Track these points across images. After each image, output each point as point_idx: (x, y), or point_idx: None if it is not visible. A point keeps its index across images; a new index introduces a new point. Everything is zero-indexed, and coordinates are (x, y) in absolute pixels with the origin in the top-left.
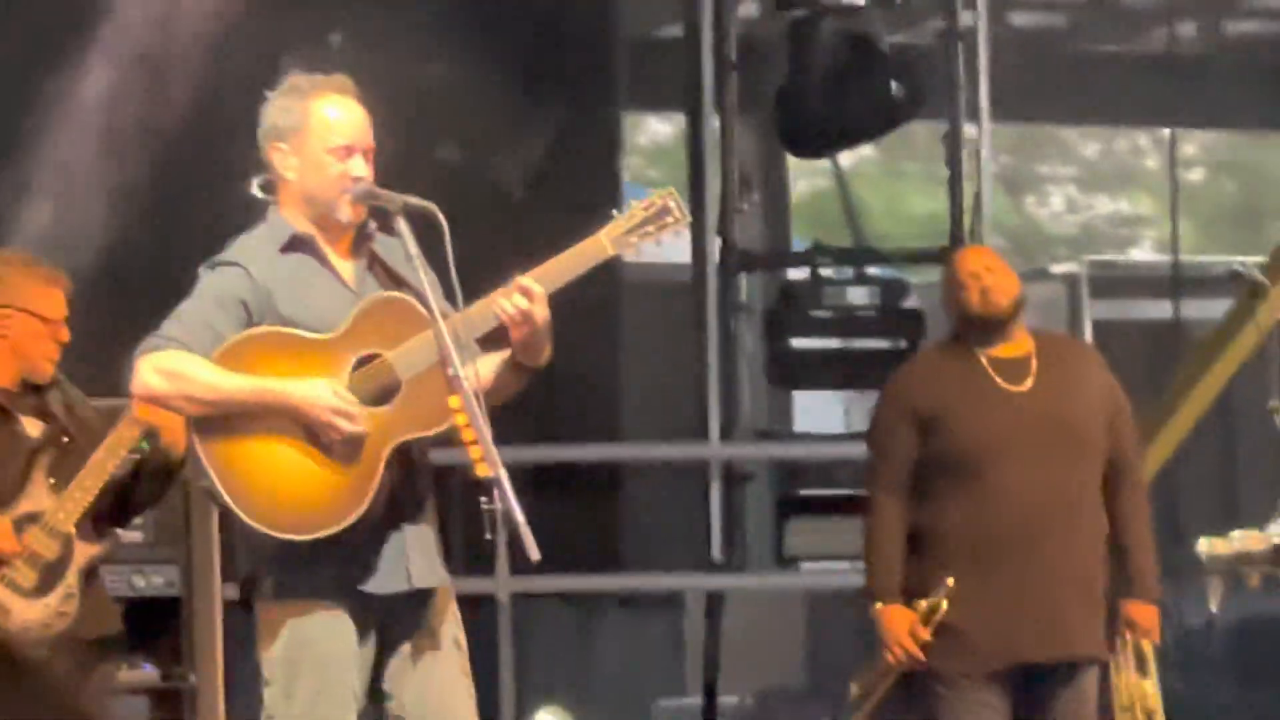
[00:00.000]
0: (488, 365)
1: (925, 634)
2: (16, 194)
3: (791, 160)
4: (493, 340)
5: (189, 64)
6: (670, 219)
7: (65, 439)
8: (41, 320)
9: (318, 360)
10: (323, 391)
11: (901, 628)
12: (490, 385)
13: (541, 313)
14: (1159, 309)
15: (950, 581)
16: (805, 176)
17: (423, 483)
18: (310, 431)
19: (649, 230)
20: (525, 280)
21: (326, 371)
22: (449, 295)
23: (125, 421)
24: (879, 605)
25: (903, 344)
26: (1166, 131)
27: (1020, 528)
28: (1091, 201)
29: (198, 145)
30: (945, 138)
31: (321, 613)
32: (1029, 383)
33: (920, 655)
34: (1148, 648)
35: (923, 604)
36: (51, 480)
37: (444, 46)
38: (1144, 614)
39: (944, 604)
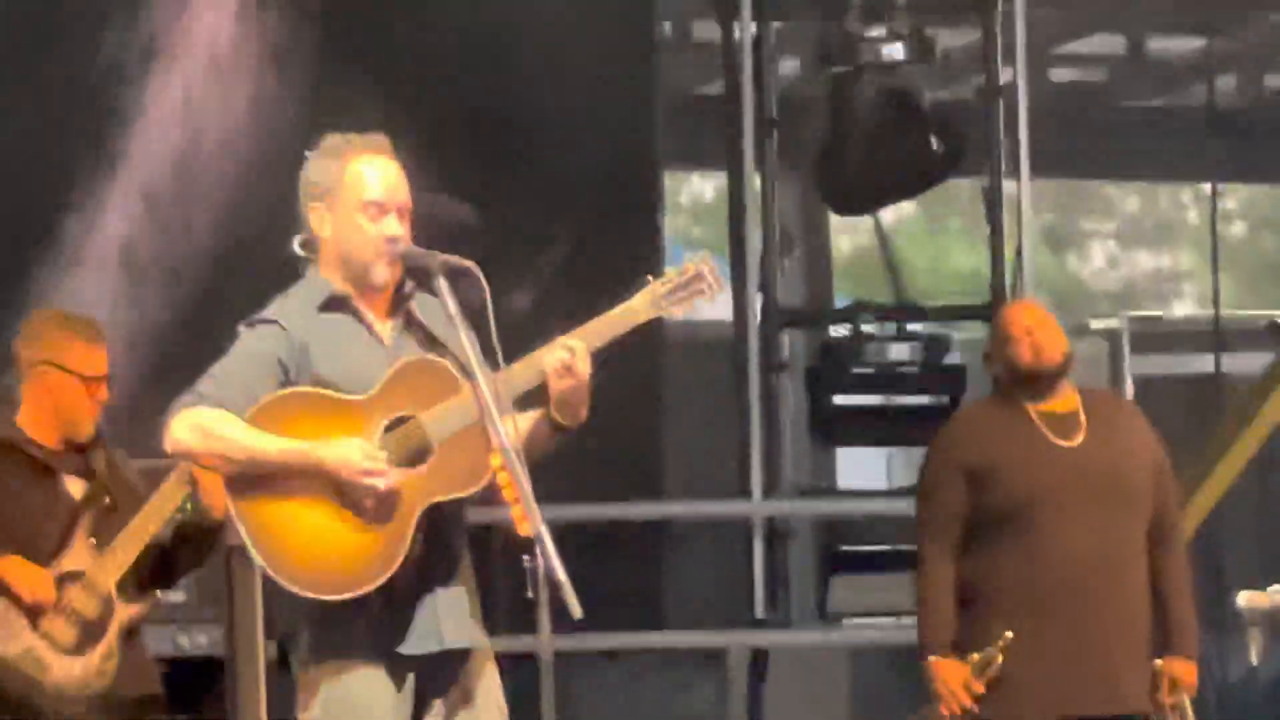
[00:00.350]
0: (522, 424)
1: (979, 687)
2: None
3: (833, 218)
4: (528, 401)
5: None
6: (705, 285)
7: (108, 499)
8: (80, 378)
9: (350, 421)
10: (352, 451)
11: (956, 681)
12: (523, 444)
13: (584, 369)
14: (1200, 364)
15: (1008, 635)
16: (848, 234)
17: (457, 543)
18: (342, 492)
19: (682, 296)
20: (566, 338)
21: (358, 433)
22: (489, 354)
23: (168, 484)
24: (932, 659)
25: (945, 400)
26: (1207, 186)
27: (1073, 582)
28: (1133, 257)
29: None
30: (985, 193)
31: (358, 672)
32: (1079, 438)
33: (974, 708)
34: (1187, 703)
35: (976, 657)
36: (93, 540)
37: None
38: (1184, 670)
39: (999, 657)
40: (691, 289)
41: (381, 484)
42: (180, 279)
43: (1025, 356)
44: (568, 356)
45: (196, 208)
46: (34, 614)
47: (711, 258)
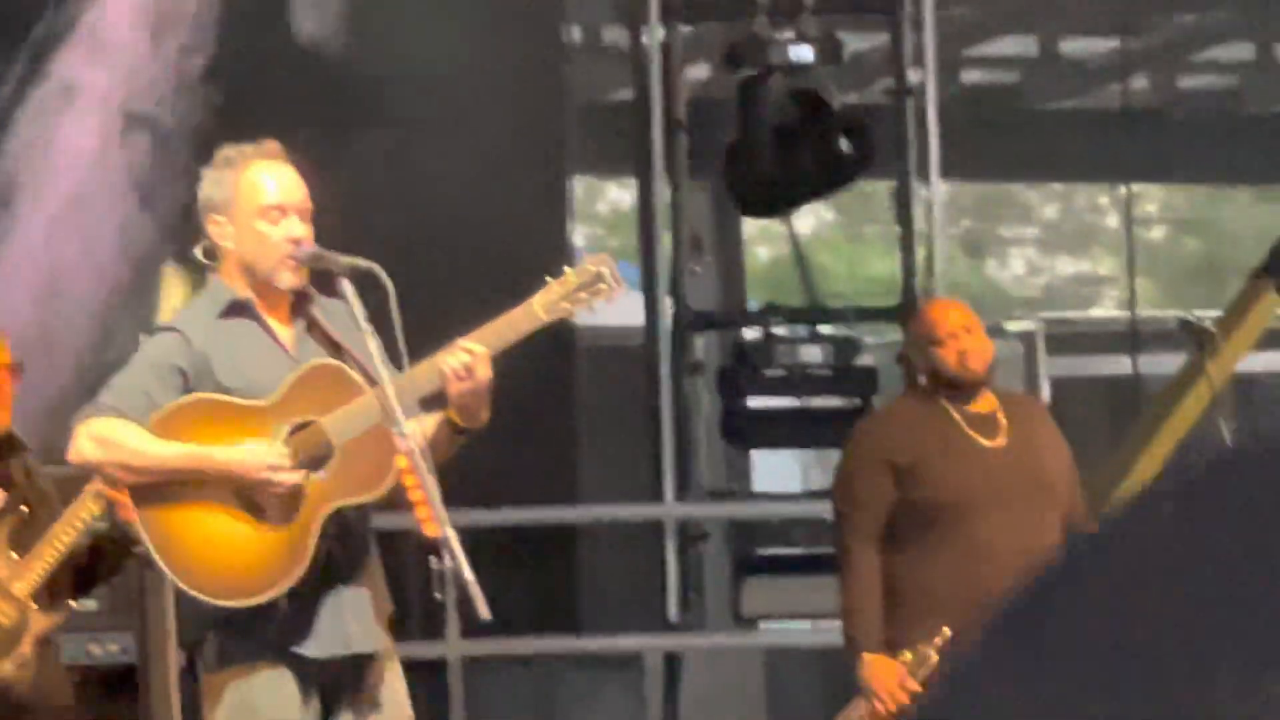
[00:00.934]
0: (426, 426)
1: (914, 685)
2: None
3: (752, 225)
4: (429, 405)
5: None
6: (603, 285)
7: (24, 507)
8: None
9: (251, 427)
10: (255, 450)
11: (892, 679)
12: (427, 447)
13: (484, 372)
14: (1117, 365)
15: (946, 632)
16: (767, 241)
17: (362, 548)
18: (246, 498)
19: (582, 296)
20: (465, 341)
21: (261, 438)
22: (394, 357)
23: (85, 494)
24: (866, 656)
25: (857, 402)
26: (1125, 189)
27: (1004, 580)
28: (1053, 263)
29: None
30: (895, 195)
31: (262, 677)
32: (1002, 439)
33: (910, 707)
34: None
35: (909, 655)
36: (11, 551)
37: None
38: None
39: (934, 656)
40: (591, 289)
41: (286, 478)
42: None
43: (950, 362)
44: (468, 359)
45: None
46: None
47: (614, 260)
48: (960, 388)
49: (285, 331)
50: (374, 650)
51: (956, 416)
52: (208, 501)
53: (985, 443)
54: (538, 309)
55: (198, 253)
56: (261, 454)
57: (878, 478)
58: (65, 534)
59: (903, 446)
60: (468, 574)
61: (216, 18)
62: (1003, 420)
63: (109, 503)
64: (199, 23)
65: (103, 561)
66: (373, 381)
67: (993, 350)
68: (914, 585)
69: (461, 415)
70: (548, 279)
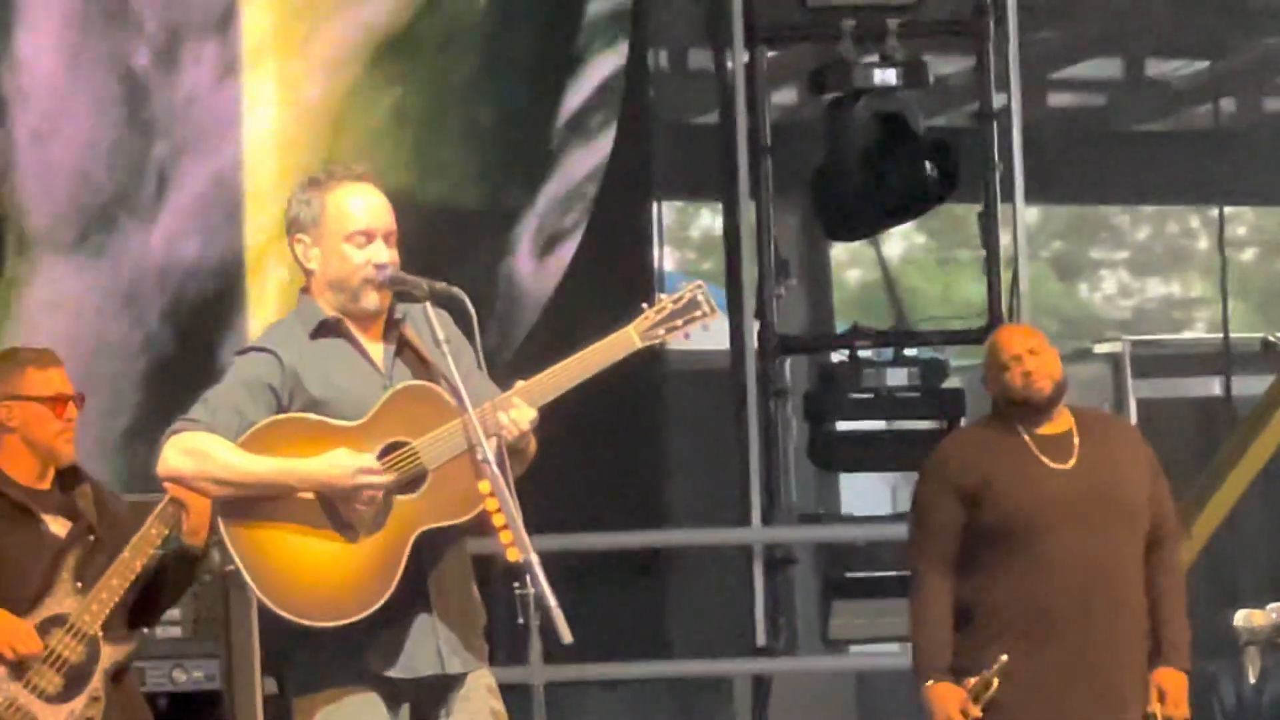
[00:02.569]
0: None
1: (976, 711)
2: None
3: (842, 249)
4: None
5: None
6: (699, 312)
7: (92, 537)
8: (38, 401)
9: (343, 446)
10: (341, 457)
11: (952, 705)
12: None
13: (524, 419)
14: (1204, 387)
15: (1003, 658)
16: (855, 264)
17: (454, 569)
18: (336, 516)
19: (677, 324)
20: (521, 402)
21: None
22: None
23: (152, 518)
24: (928, 683)
25: (944, 424)
26: (1215, 211)
27: (1070, 601)
28: (1143, 284)
29: None
30: (980, 218)
31: (353, 699)
32: (1072, 461)
33: None
34: (1178, 717)
35: (972, 681)
36: (78, 582)
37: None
38: (1172, 681)
39: (995, 681)
40: (686, 315)
41: (376, 481)
42: None
43: (1016, 384)
44: (519, 428)
45: None
46: (17, 666)
47: (707, 285)
48: (1029, 409)
49: (376, 350)
50: (465, 671)
51: (1026, 439)
52: (298, 520)
53: (1053, 465)
54: (634, 335)
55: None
56: (350, 461)
57: (946, 503)
58: (134, 561)
59: (970, 470)
60: (550, 599)
61: None
62: (1075, 441)
63: (179, 522)
64: None
65: (166, 583)
66: (460, 404)
67: (1059, 370)
68: (982, 609)
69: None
70: (644, 306)
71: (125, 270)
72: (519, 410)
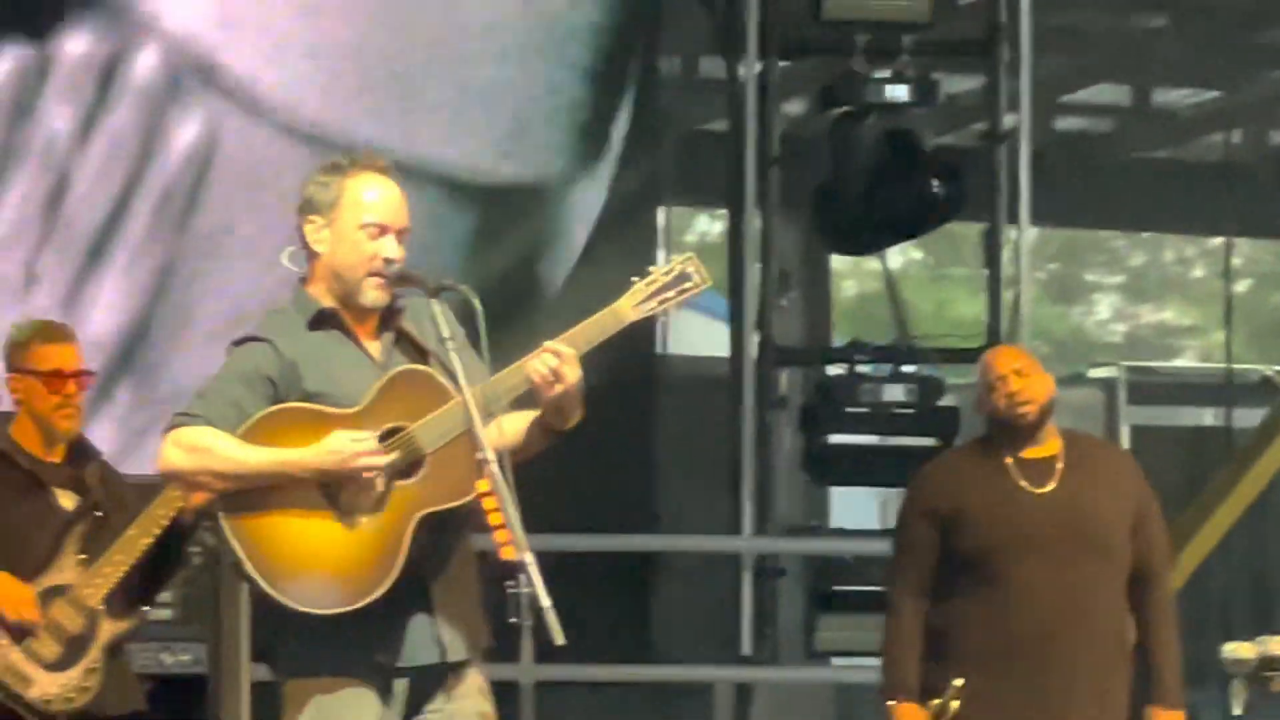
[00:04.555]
0: (517, 423)
1: None
2: None
3: (841, 261)
4: (523, 403)
5: None
6: (690, 284)
7: (99, 513)
8: (40, 375)
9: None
10: (339, 440)
11: None
12: (517, 443)
13: (573, 373)
14: (1198, 416)
15: (958, 683)
16: (854, 277)
17: (456, 556)
18: (337, 503)
19: (669, 296)
20: (553, 343)
21: None
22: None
23: (160, 499)
24: (891, 703)
25: (938, 442)
26: (1214, 240)
27: (1036, 628)
28: (1137, 310)
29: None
30: (984, 238)
31: (347, 689)
32: (1051, 484)
33: None
34: None
35: (934, 703)
36: (83, 555)
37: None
38: None
39: (953, 705)
40: (678, 288)
41: (376, 461)
42: None
43: (1000, 405)
44: (555, 363)
45: None
46: (18, 631)
47: (699, 262)
48: (1014, 431)
49: (373, 343)
50: (465, 659)
51: (1008, 461)
52: (298, 508)
53: (1031, 489)
54: (625, 307)
55: (284, 259)
56: (348, 443)
57: (922, 526)
58: (141, 539)
59: (947, 494)
60: (545, 600)
61: None
62: (1059, 466)
63: (182, 505)
64: None
65: (167, 560)
66: (460, 394)
67: (1047, 393)
68: (953, 634)
69: (554, 418)
70: (634, 279)
71: None
72: (555, 344)
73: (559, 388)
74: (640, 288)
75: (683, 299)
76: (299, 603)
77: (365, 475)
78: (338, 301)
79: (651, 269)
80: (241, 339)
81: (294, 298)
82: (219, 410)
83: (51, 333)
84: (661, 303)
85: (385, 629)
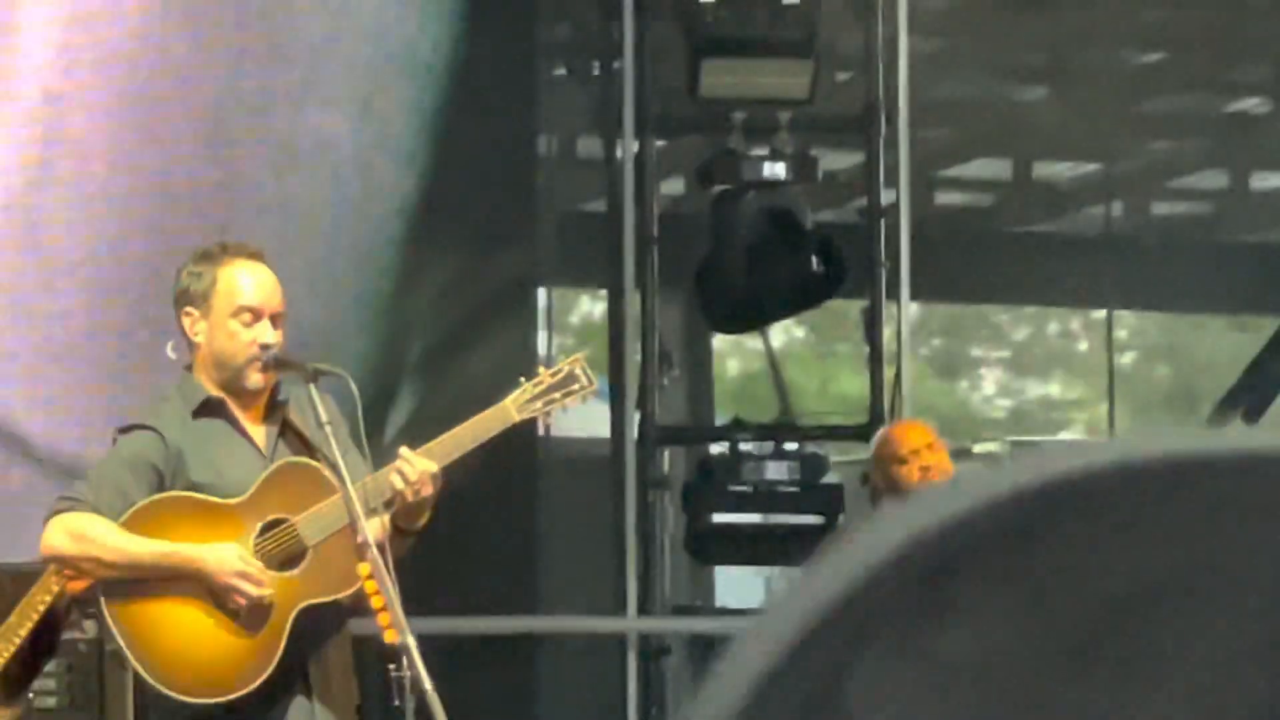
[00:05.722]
0: (378, 529)
1: None
2: None
3: (723, 340)
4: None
5: None
6: (578, 386)
7: None
8: None
9: (225, 525)
10: (228, 555)
11: None
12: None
13: (431, 489)
14: None
15: None
16: (736, 355)
17: (335, 648)
18: (216, 595)
19: (555, 397)
20: (415, 456)
21: (233, 536)
22: (358, 462)
23: (39, 586)
24: None
25: (822, 519)
26: (1098, 314)
27: None
28: (1023, 385)
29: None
30: (864, 314)
31: None
32: None
33: None
34: None
35: None
36: None
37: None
38: None
39: None
40: (565, 389)
41: (256, 591)
42: None
43: (914, 478)
44: (415, 477)
45: None
46: None
47: (586, 364)
48: None
49: (258, 431)
50: None
51: None
52: (179, 598)
53: None
54: (510, 409)
55: (169, 351)
56: (232, 560)
57: None
58: (20, 627)
59: None
60: (426, 683)
61: None
62: None
63: (60, 591)
64: None
65: (43, 648)
66: (340, 484)
67: (953, 469)
68: None
69: (404, 519)
70: (521, 380)
71: None
72: (418, 460)
73: (421, 497)
74: (527, 388)
75: (569, 401)
76: (177, 691)
77: (239, 592)
78: (222, 389)
79: (541, 369)
80: (127, 426)
81: (179, 385)
82: (105, 497)
83: None
84: (547, 404)
85: (265, 714)
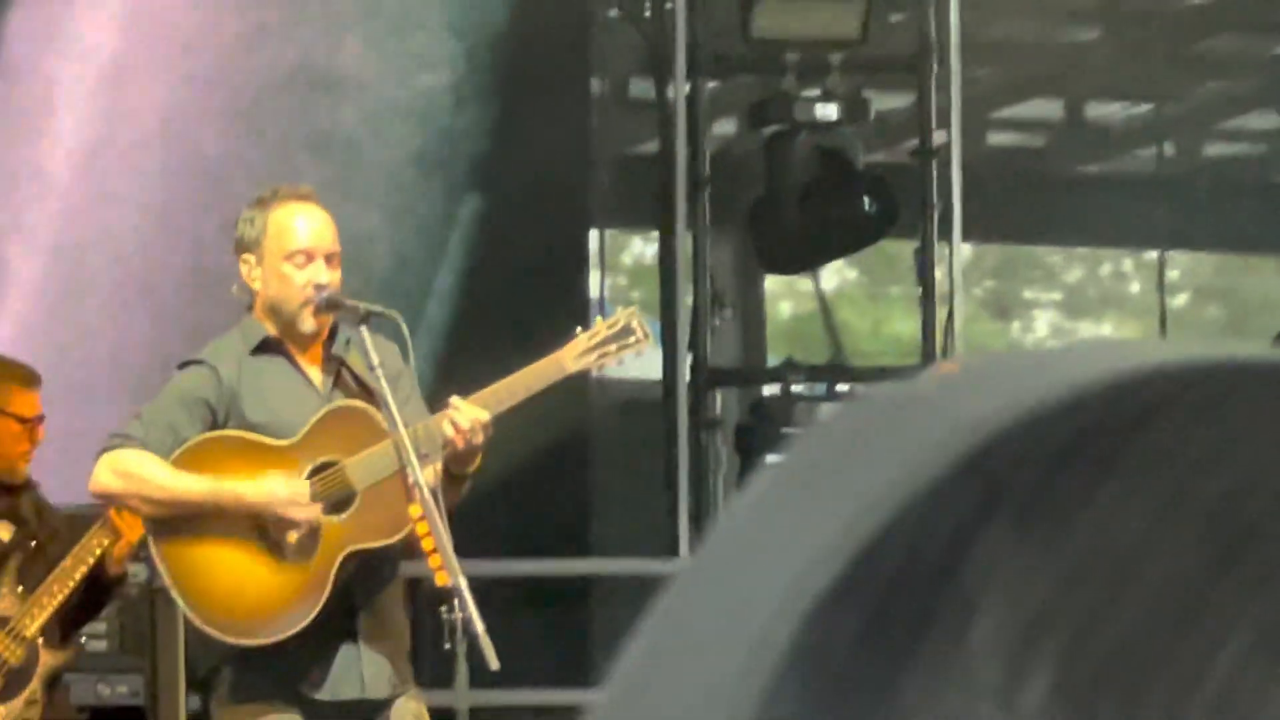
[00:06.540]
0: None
1: None
2: None
3: (775, 281)
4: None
5: None
6: (633, 339)
7: (34, 543)
8: (18, 420)
9: (274, 465)
10: (275, 485)
11: None
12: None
13: (483, 437)
14: None
15: None
16: (789, 297)
17: (384, 592)
18: (266, 535)
19: (610, 349)
20: (468, 406)
21: (282, 475)
22: (411, 402)
23: (95, 529)
24: None
25: None
26: (1150, 255)
27: None
28: (1075, 326)
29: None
30: (916, 254)
31: (273, 716)
32: None
33: None
34: None
35: None
36: (20, 586)
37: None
38: None
39: None
40: (619, 342)
41: (305, 515)
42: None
43: None
44: (466, 426)
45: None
46: None
47: (641, 313)
48: None
49: (316, 372)
50: (388, 696)
51: None
52: (227, 538)
53: None
54: (565, 360)
55: (234, 291)
56: (281, 488)
57: None
58: (75, 570)
59: None
60: (478, 625)
61: None
62: None
63: (115, 536)
64: None
65: (101, 590)
66: (392, 427)
67: None
68: None
69: (455, 463)
70: (578, 330)
71: None
72: (469, 409)
73: (474, 445)
74: (582, 339)
75: (623, 354)
76: (224, 633)
77: (290, 524)
78: (280, 331)
79: (597, 320)
80: (185, 362)
81: (241, 324)
82: (155, 434)
83: (30, 376)
84: (601, 356)
85: (311, 661)
